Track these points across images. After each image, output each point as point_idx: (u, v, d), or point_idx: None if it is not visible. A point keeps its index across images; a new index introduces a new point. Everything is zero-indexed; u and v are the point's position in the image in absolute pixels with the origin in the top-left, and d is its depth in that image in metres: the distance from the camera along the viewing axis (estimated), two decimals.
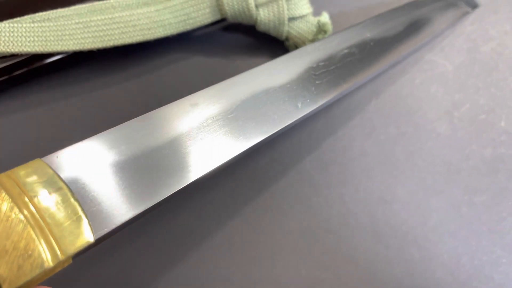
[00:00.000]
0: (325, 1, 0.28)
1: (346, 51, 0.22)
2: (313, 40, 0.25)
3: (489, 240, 0.25)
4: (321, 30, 0.25)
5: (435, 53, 0.28)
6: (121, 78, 0.25)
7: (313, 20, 0.25)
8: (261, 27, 0.24)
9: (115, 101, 0.24)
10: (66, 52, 0.23)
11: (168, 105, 0.17)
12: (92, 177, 0.15)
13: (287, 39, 0.25)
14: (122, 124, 0.16)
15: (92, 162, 0.15)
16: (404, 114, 0.26)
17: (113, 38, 0.22)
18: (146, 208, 0.15)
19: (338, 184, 0.25)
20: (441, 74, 0.27)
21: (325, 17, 0.25)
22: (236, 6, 0.23)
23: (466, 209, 0.25)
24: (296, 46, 0.26)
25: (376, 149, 0.26)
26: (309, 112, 0.20)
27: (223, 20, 0.25)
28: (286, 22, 0.24)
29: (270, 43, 0.26)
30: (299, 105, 0.19)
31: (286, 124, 0.19)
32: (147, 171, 0.15)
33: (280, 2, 0.23)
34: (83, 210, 0.14)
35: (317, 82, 0.20)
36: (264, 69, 0.19)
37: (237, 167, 0.24)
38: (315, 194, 0.25)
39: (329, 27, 0.25)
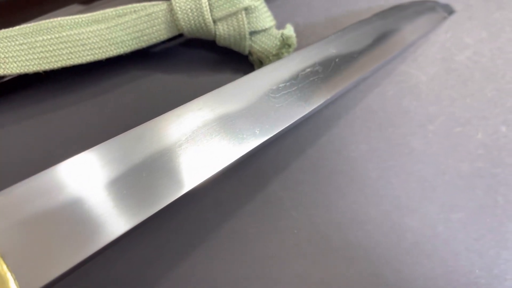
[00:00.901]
0: (291, 12, 0.26)
1: (308, 70, 0.20)
2: (277, 55, 0.24)
3: (467, 260, 0.24)
4: (285, 43, 0.23)
5: (408, 63, 0.26)
6: (75, 99, 0.23)
7: (277, 33, 0.23)
8: (221, 42, 0.23)
9: (68, 124, 0.23)
10: (10, 76, 0.21)
11: (113, 139, 0.16)
12: (21, 227, 0.13)
13: (250, 53, 0.24)
14: (54, 167, 0.14)
15: (20, 211, 0.13)
16: (375, 129, 0.25)
17: (61, 59, 0.21)
18: (83, 259, 0.14)
19: (307, 205, 0.24)
20: (414, 86, 0.26)
21: (289, 30, 0.24)
22: (192, 22, 0.22)
23: (442, 227, 0.24)
24: (260, 61, 0.24)
25: (347, 167, 0.24)
26: (268, 139, 0.18)
27: (181, 35, 0.23)
28: (247, 36, 0.23)
29: (233, 58, 0.25)
30: (257, 131, 0.18)
31: (243, 154, 0.18)
32: (83, 218, 0.14)
33: (239, 15, 0.22)
34: (8, 267, 0.13)
35: (276, 105, 0.19)
36: (217, 95, 0.18)
37: (199, 192, 0.22)
38: (283, 217, 0.23)
39: (293, 40, 0.23)
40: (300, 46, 0.25)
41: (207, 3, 0.21)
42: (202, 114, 0.18)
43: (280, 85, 0.19)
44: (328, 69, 0.21)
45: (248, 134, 0.18)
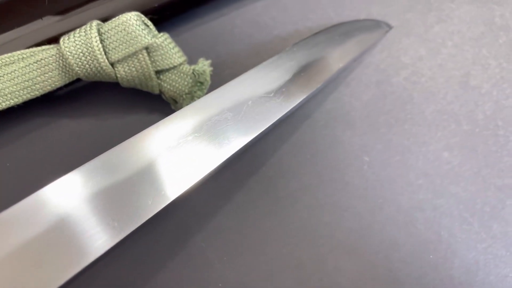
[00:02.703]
0: (212, 41, 0.24)
1: (216, 118, 0.18)
2: (190, 93, 0.21)
3: None
4: (197, 81, 0.21)
5: (340, 90, 0.24)
6: None
7: (188, 70, 0.21)
8: (125, 84, 0.21)
9: None
10: None
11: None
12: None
13: (161, 92, 0.22)
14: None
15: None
16: (306, 164, 0.23)
17: None
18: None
19: (233, 255, 0.22)
20: (347, 113, 0.24)
21: (201, 66, 0.21)
22: (87, 66, 0.20)
23: (382, 268, 0.22)
24: (174, 100, 0.22)
25: (276, 208, 0.23)
26: (165, 207, 0.16)
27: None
28: (154, 76, 0.21)
29: (147, 96, 0.23)
30: (150, 202, 0.16)
31: (129, 232, 0.16)
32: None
33: (140, 56, 0.20)
34: None
35: (176, 164, 0.17)
36: (105, 161, 0.16)
37: (113, 254, 0.20)
38: (206, 270, 0.21)
39: (207, 77, 0.21)
40: (222, 78, 0.23)
41: (100, 46, 0.19)
42: (86, 186, 0.15)
43: (181, 140, 0.17)
44: (239, 115, 0.19)
45: (140, 206, 0.16)
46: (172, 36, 0.23)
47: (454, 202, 0.23)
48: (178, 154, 0.17)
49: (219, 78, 0.24)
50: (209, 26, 0.24)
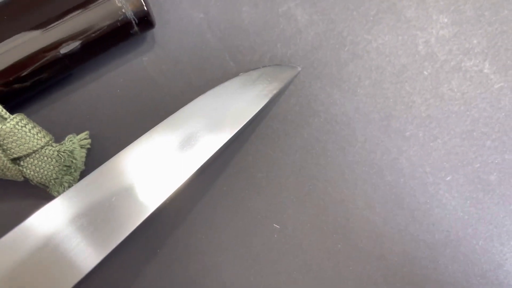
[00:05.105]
0: (92, 108, 0.21)
1: (77, 223, 0.16)
2: (58, 178, 0.18)
3: None
4: (63, 165, 0.18)
5: (244, 148, 0.22)
6: None
7: (52, 152, 0.18)
8: None
9: None
10: None
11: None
12: None
13: (27, 179, 0.19)
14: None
15: None
16: (207, 241, 0.21)
17: None
18: None
19: None
20: (252, 176, 0.21)
21: (69, 145, 0.19)
22: None
23: None
24: (45, 185, 0.19)
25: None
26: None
27: None
28: (10, 165, 0.18)
29: (14, 182, 0.20)
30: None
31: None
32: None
33: None
34: None
35: None
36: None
37: None
38: None
39: (74, 159, 0.19)
40: (103, 150, 0.20)
41: None
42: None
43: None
44: (97, 221, 0.16)
45: None
46: (45, 106, 0.20)
47: (378, 268, 0.21)
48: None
49: (101, 150, 0.21)
50: (88, 89, 0.21)
